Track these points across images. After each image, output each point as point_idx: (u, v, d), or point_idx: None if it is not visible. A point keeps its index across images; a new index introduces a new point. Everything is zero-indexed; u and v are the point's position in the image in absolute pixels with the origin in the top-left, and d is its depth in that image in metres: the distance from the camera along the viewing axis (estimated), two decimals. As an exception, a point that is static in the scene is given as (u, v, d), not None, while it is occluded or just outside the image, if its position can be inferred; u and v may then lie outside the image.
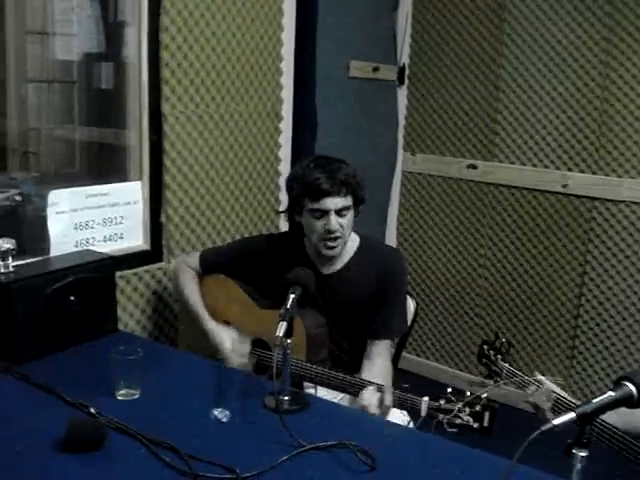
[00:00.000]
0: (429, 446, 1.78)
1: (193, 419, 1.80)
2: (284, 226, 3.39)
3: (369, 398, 2.05)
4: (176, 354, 2.47)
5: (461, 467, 1.65)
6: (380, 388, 2.08)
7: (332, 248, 2.35)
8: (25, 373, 1.96)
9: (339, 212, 2.30)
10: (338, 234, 2.32)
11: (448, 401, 1.91)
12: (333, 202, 2.28)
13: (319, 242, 2.35)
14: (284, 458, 1.58)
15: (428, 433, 1.89)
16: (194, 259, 2.61)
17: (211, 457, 1.57)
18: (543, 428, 1.26)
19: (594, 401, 1.33)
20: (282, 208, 3.39)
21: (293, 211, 2.42)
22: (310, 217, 2.34)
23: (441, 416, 1.91)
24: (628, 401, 1.36)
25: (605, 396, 1.35)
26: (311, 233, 2.37)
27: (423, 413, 1.96)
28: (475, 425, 1.87)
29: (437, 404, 1.93)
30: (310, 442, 1.65)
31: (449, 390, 1.94)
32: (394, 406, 2.06)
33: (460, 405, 1.88)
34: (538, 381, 2.14)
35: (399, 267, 2.50)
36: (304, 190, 2.31)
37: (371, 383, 2.11)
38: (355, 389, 2.13)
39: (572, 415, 1.29)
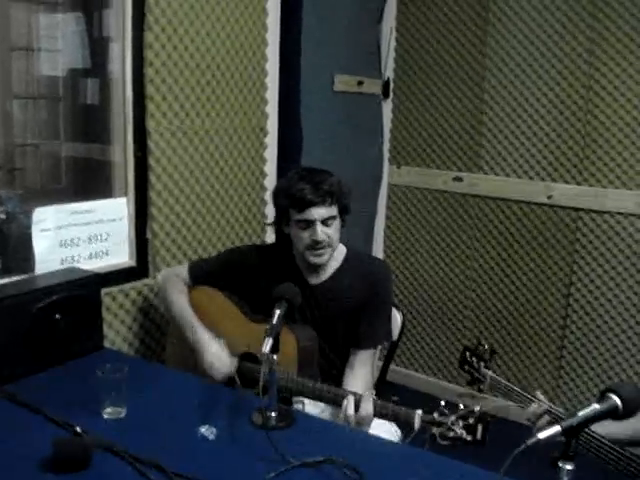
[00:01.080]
0: (417, 461, 1.78)
1: (180, 437, 1.79)
2: (270, 241, 3.39)
3: (346, 404, 2.07)
4: (163, 371, 2.45)
5: (449, 481, 1.65)
6: (357, 396, 2.09)
7: (320, 255, 2.36)
8: (10, 392, 1.94)
9: (325, 222, 2.31)
10: (325, 244, 2.33)
11: (441, 414, 1.92)
12: (318, 212, 2.29)
13: (306, 251, 2.36)
14: (271, 475, 1.58)
15: (416, 448, 1.89)
16: (183, 271, 2.60)
17: (198, 475, 1.56)
18: (528, 442, 1.27)
19: (579, 414, 1.33)
20: (270, 220, 3.39)
21: (280, 222, 2.44)
22: (296, 228, 2.35)
23: (434, 429, 1.92)
24: (613, 413, 1.37)
25: (590, 408, 1.35)
26: (298, 243, 2.38)
27: (417, 426, 1.97)
28: (468, 438, 1.88)
29: (430, 417, 1.93)
30: (298, 459, 1.64)
31: (442, 403, 1.95)
32: (388, 419, 2.07)
33: (453, 418, 1.89)
34: (538, 399, 2.14)
35: (385, 278, 2.51)
36: (289, 201, 2.33)
37: (354, 393, 2.11)
38: (339, 400, 2.13)
39: (557, 428, 1.30)
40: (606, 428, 1.95)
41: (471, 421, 1.88)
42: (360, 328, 2.43)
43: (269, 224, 3.32)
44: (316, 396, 2.18)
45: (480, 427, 1.87)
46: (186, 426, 1.83)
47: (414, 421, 1.96)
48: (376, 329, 2.46)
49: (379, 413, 2.07)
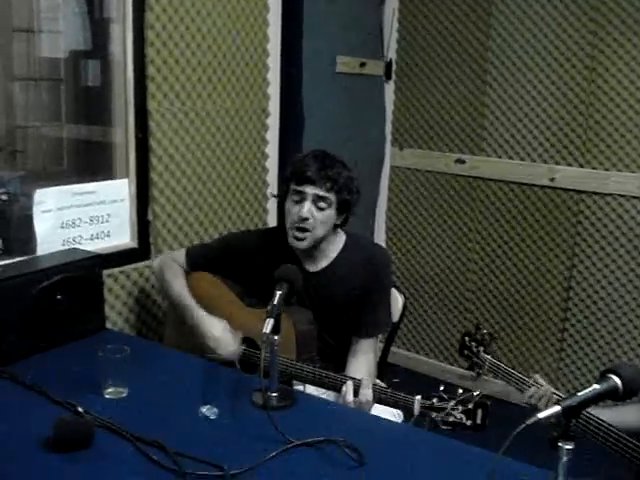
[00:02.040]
0: (417, 440, 1.79)
1: (181, 417, 1.80)
2: (272, 223, 3.40)
3: (345, 390, 2.08)
4: (164, 352, 2.46)
5: (449, 461, 1.66)
6: (356, 382, 2.09)
7: (299, 240, 2.32)
8: (12, 373, 1.95)
9: (316, 202, 2.28)
10: (308, 225, 2.29)
11: (441, 399, 1.92)
12: (313, 189, 2.27)
13: (290, 229, 2.33)
14: (272, 454, 1.59)
15: (415, 427, 1.90)
16: (180, 256, 2.58)
17: (199, 454, 1.57)
18: (528, 422, 1.27)
19: (579, 394, 1.34)
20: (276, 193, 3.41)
21: (283, 196, 2.42)
22: (290, 201, 2.33)
23: (434, 414, 1.92)
24: (613, 394, 1.37)
25: (590, 389, 1.35)
26: (287, 218, 2.35)
27: (416, 412, 1.97)
28: (468, 422, 1.89)
29: (430, 402, 1.94)
30: (298, 438, 1.65)
31: (441, 388, 1.95)
32: (387, 404, 2.07)
33: (453, 403, 1.89)
34: (538, 383, 2.14)
35: (384, 266, 2.48)
36: (291, 171, 2.33)
37: (353, 379, 2.12)
38: (339, 385, 2.13)
39: (557, 408, 1.30)
40: (619, 417, 1.96)
41: (470, 406, 1.88)
42: (361, 317, 2.41)
43: (274, 196, 3.34)
44: (316, 382, 2.18)
45: (480, 412, 1.88)
46: (187, 406, 1.83)
47: (413, 406, 1.97)
48: (377, 318, 2.44)
49: (378, 398, 2.07)
